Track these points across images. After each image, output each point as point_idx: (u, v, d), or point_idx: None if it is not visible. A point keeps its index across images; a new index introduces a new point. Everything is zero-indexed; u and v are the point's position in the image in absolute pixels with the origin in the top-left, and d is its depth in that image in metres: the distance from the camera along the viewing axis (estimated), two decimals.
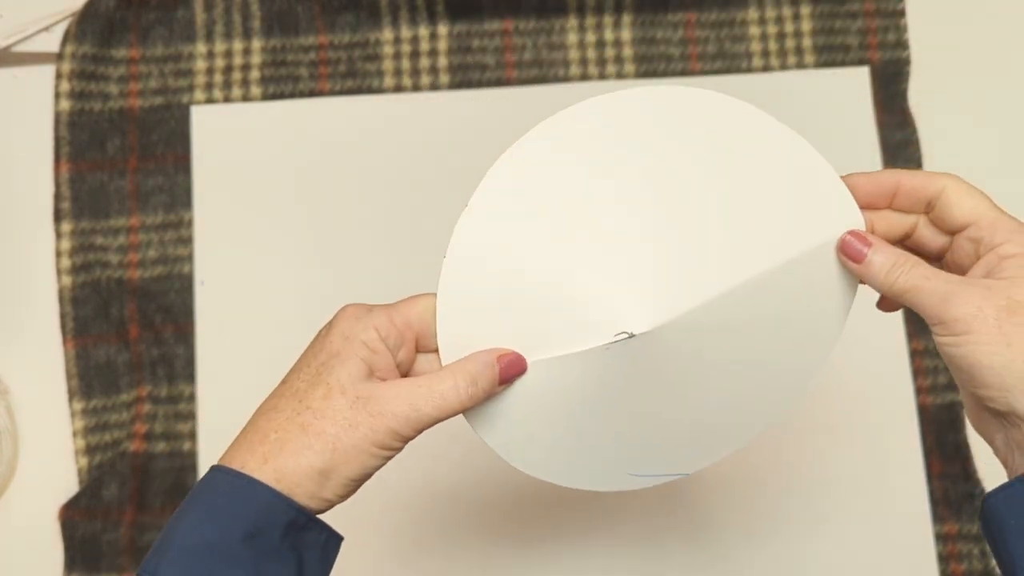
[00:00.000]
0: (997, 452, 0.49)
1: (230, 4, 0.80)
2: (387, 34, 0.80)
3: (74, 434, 0.74)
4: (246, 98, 0.79)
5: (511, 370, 0.48)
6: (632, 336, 0.49)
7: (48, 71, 0.78)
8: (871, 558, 0.73)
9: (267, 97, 0.79)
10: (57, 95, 0.78)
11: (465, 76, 0.80)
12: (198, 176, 0.77)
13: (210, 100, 0.79)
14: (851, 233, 0.50)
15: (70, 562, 0.72)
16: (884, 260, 0.49)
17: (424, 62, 0.80)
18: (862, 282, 0.50)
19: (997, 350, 0.45)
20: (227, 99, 0.79)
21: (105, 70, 0.79)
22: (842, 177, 0.50)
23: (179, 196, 0.77)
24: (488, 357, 0.48)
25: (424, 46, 0.80)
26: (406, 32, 0.80)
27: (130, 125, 0.78)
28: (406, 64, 0.80)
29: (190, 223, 0.77)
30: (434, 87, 0.80)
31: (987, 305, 0.45)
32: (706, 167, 0.50)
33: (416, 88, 0.79)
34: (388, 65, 0.80)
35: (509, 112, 0.78)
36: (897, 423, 0.75)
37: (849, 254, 0.50)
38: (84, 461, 0.74)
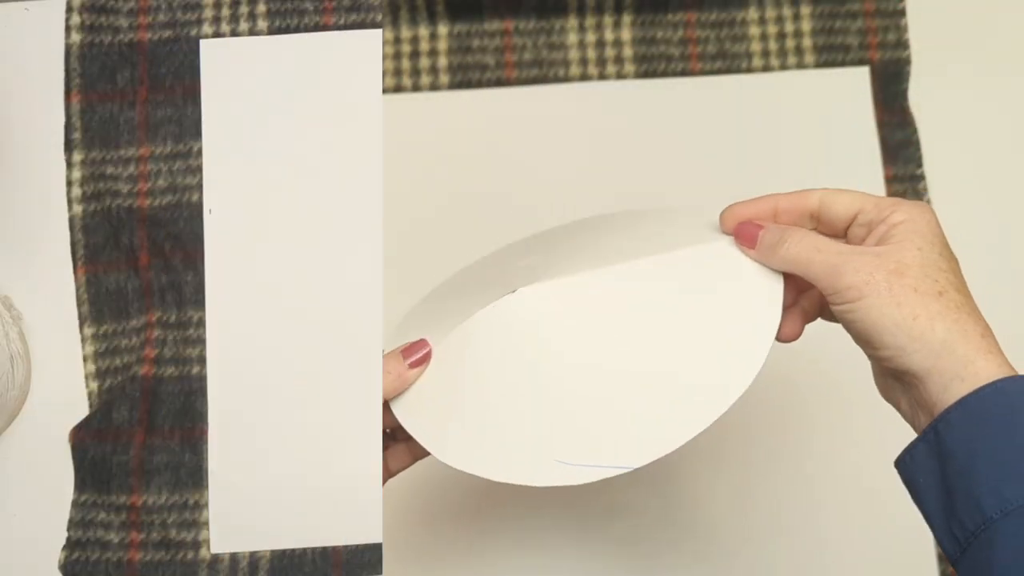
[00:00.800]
0: (904, 416, 0.51)
1: None
2: (387, 34, 0.81)
3: (85, 359, 0.76)
4: (252, 32, 0.80)
5: (412, 351, 0.56)
6: (515, 291, 0.53)
7: (59, 4, 0.79)
8: (871, 558, 0.73)
9: (273, 31, 0.80)
10: (68, 28, 0.79)
11: (465, 76, 0.80)
12: (207, 108, 0.79)
13: (218, 34, 0.80)
14: (741, 223, 0.53)
15: (81, 483, 0.74)
16: (773, 234, 0.51)
17: (424, 62, 0.80)
18: (771, 268, 0.52)
19: (888, 312, 0.47)
20: (234, 33, 0.80)
21: (115, 3, 0.80)
22: (723, 210, 0.54)
23: (188, 127, 0.79)
24: (394, 350, 0.56)
25: (424, 46, 0.80)
26: (406, 32, 0.80)
27: (140, 57, 0.80)
28: (406, 64, 0.80)
29: (199, 153, 0.78)
30: (434, 87, 0.80)
31: (877, 271, 0.48)
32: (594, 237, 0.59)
33: (416, 88, 0.80)
34: (388, 65, 0.80)
35: (509, 112, 0.79)
36: (897, 423, 0.75)
37: (744, 242, 0.52)
38: (95, 385, 0.75)
